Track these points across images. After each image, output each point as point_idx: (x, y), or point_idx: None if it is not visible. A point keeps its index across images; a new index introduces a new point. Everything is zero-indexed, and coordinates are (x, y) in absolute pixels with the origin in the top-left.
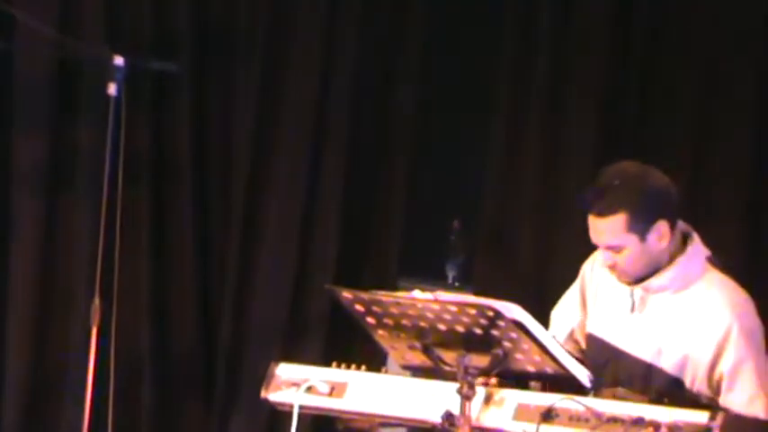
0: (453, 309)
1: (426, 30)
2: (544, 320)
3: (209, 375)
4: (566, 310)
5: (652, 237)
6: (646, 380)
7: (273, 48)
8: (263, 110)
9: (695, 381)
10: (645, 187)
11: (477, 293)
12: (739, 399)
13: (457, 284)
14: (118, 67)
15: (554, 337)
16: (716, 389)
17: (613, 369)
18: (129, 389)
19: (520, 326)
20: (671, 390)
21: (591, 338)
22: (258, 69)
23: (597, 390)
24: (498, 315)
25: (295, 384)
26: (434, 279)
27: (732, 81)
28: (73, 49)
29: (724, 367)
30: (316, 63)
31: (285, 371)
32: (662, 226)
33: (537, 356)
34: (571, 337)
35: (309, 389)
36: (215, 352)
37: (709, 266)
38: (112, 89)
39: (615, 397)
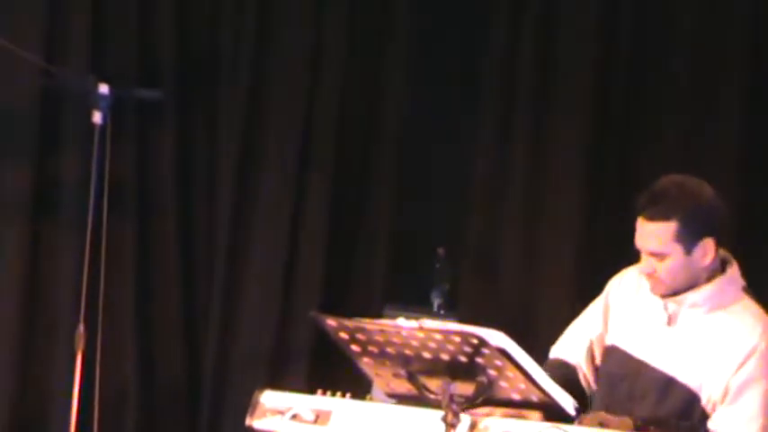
0: (438, 336)
1: (409, 63)
2: (529, 347)
3: (194, 403)
4: (586, 323)
5: (697, 252)
6: (663, 394)
7: (257, 77)
8: (247, 139)
9: (710, 399)
10: (701, 201)
11: (462, 321)
12: (738, 414)
13: (442, 312)
14: (103, 96)
15: (556, 349)
16: (721, 400)
17: (630, 383)
18: (114, 415)
19: (504, 353)
20: (683, 411)
21: (613, 350)
22: (242, 98)
23: (580, 416)
24: (483, 342)
25: (280, 412)
26: (420, 307)
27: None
28: (57, 78)
29: (735, 381)
30: (300, 92)
31: (270, 398)
32: (708, 243)
33: (522, 384)
34: (588, 349)
35: (294, 416)
36: (200, 379)
37: (744, 295)
38: (98, 117)
39: (600, 424)
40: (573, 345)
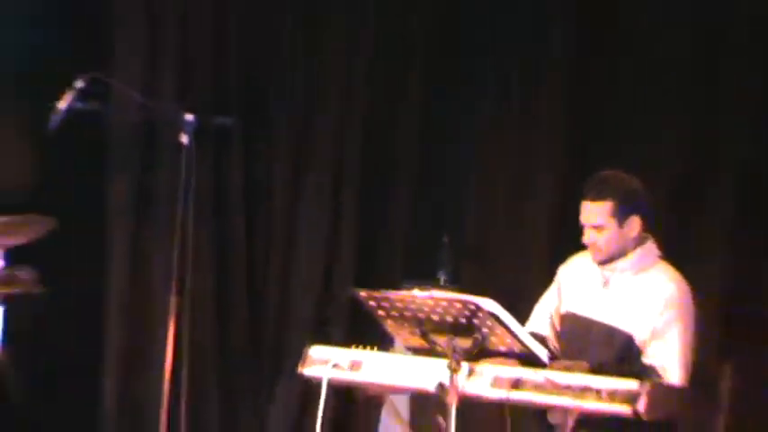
0: (444, 303)
1: (424, 93)
2: (515, 311)
3: (258, 358)
4: (546, 301)
5: (627, 226)
6: (607, 341)
7: (303, 112)
8: (296, 158)
9: (642, 340)
10: (630, 186)
11: (462, 292)
12: (665, 347)
13: (447, 285)
14: (188, 122)
15: (535, 322)
16: (650, 339)
17: (582, 336)
18: (199, 365)
19: (494, 316)
20: (624, 352)
21: (566, 316)
22: (293, 127)
23: (551, 364)
24: (478, 308)
25: (323, 362)
26: (430, 281)
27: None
28: (154, 109)
29: (659, 323)
30: (335, 121)
31: (316, 352)
32: (635, 220)
33: (508, 339)
34: (551, 320)
35: (334, 366)
36: (262, 339)
37: (660, 261)
38: (185, 139)
39: (565, 369)
40: (539, 320)
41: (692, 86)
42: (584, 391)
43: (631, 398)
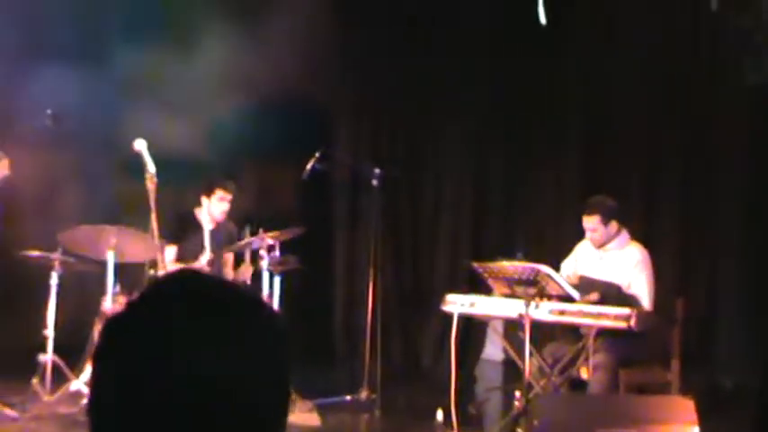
0: (521, 268)
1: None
2: (556, 268)
3: (421, 304)
4: (568, 263)
5: (609, 227)
6: (606, 290)
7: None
8: (433, 200)
9: (625, 286)
10: (608, 204)
11: (529, 262)
12: (638, 286)
13: (522, 258)
14: (376, 173)
15: (565, 278)
16: (629, 285)
17: (589, 287)
18: (386, 314)
19: (548, 275)
20: (615, 294)
21: (581, 277)
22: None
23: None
24: (539, 271)
25: (455, 303)
26: (513, 257)
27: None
28: (357, 166)
29: (633, 274)
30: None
31: (451, 297)
32: (613, 222)
33: (556, 287)
34: (574, 274)
35: (461, 304)
36: (422, 292)
37: (632, 241)
38: (375, 183)
39: (587, 302)
40: (566, 275)
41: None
42: (598, 314)
43: (627, 318)
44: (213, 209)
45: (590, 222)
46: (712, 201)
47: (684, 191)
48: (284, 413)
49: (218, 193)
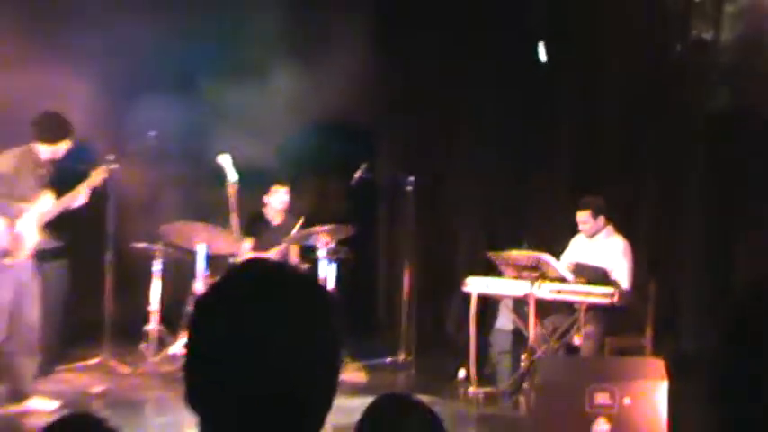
0: (526, 256)
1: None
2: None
3: (446, 284)
4: (566, 254)
5: (598, 221)
6: (596, 272)
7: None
8: (455, 202)
9: (611, 271)
10: (598, 203)
11: (533, 251)
12: (619, 272)
13: (528, 248)
14: (410, 181)
15: (564, 265)
16: (615, 270)
17: (581, 271)
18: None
19: (547, 262)
20: (601, 276)
21: (575, 263)
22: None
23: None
24: (540, 259)
25: (473, 284)
26: (521, 247)
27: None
28: (395, 174)
29: (616, 260)
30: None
31: (471, 280)
32: (601, 218)
33: (553, 270)
34: (570, 262)
35: (478, 285)
36: (445, 276)
37: (615, 233)
38: (408, 189)
39: (578, 281)
40: (565, 262)
41: None
42: (588, 292)
43: (611, 295)
44: (273, 201)
45: (582, 216)
46: (678, 201)
47: (658, 193)
48: (337, 368)
49: (274, 188)
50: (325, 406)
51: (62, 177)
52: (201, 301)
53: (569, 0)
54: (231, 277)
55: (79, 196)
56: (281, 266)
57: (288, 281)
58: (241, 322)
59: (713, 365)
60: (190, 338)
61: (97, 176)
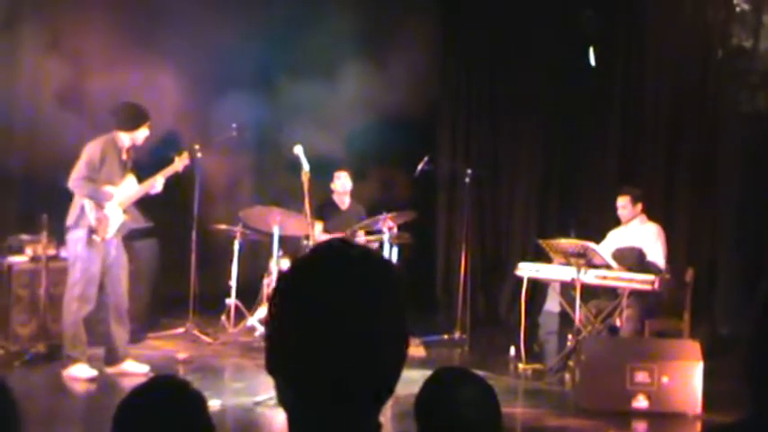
0: (573, 244)
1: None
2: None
3: (499, 268)
4: (606, 243)
5: (635, 208)
6: (632, 253)
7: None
8: (509, 192)
9: (647, 253)
10: (636, 191)
11: (580, 240)
12: (655, 255)
13: (575, 236)
14: (468, 173)
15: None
16: (649, 253)
17: (621, 255)
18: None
19: (593, 249)
20: (637, 256)
21: (616, 248)
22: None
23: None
24: (587, 247)
25: (524, 269)
26: (569, 235)
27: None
28: (454, 167)
29: (650, 242)
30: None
31: (523, 265)
32: (639, 204)
33: (598, 257)
34: (609, 249)
35: (529, 270)
36: (500, 261)
37: (648, 220)
38: (467, 180)
39: (622, 268)
40: (606, 250)
41: None
42: (631, 279)
43: (652, 282)
44: (337, 186)
45: (622, 201)
46: (714, 194)
47: (695, 187)
48: (407, 336)
49: (337, 173)
50: (397, 371)
51: (155, 163)
52: (284, 275)
53: (620, 8)
54: (312, 254)
55: (156, 182)
56: (355, 245)
57: (361, 257)
58: (323, 294)
59: (746, 346)
60: (274, 308)
61: (179, 163)
